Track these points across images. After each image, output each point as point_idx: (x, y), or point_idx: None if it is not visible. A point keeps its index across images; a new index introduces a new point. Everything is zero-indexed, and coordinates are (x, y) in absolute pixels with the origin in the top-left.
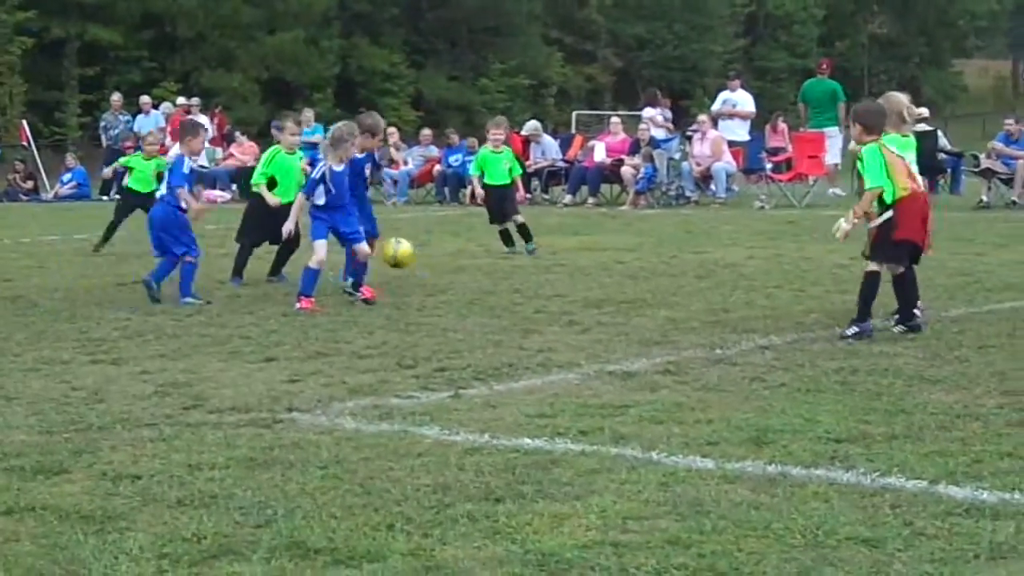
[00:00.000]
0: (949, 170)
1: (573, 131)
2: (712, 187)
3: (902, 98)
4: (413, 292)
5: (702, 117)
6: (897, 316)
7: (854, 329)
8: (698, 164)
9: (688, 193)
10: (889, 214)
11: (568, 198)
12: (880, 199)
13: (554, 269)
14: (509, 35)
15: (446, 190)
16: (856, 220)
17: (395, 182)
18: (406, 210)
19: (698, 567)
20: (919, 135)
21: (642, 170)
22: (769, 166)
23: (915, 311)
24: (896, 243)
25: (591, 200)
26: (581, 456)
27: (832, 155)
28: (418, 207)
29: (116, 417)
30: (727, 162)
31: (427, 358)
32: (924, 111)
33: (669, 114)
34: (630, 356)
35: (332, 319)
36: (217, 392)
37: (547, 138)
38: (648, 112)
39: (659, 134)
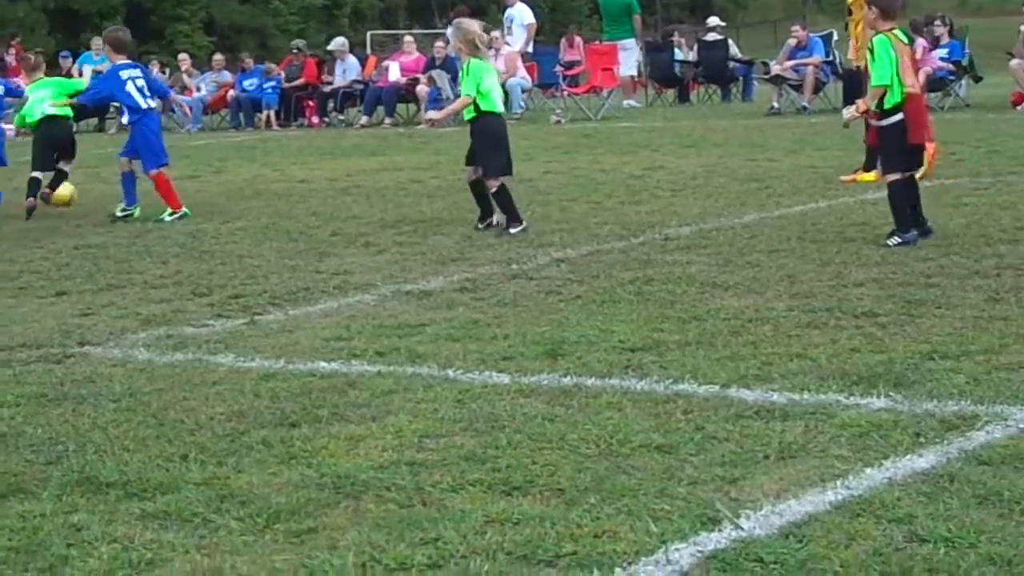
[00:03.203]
0: (740, 78)
1: (368, 51)
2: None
3: (474, 26)
4: (209, 219)
5: (495, 33)
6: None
7: (896, 239)
8: None
9: None
10: (899, 117)
11: (364, 119)
12: (881, 100)
13: (351, 191)
14: None
15: (241, 115)
16: (858, 113)
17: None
18: (201, 137)
19: (493, 481)
20: (709, 44)
21: (428, 89)
22: (564, 80)
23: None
24: (911, 148)
25: (387, 120)
26: (377, 377)
27: (628, 67)
28: (213, 133)
29: None
30: (522, 77)
31: (222, 286)
32: (715, 20)
33: None
34: (427, 275)
35: (125, 249)
36: (6, 329)
37: (352, 57)
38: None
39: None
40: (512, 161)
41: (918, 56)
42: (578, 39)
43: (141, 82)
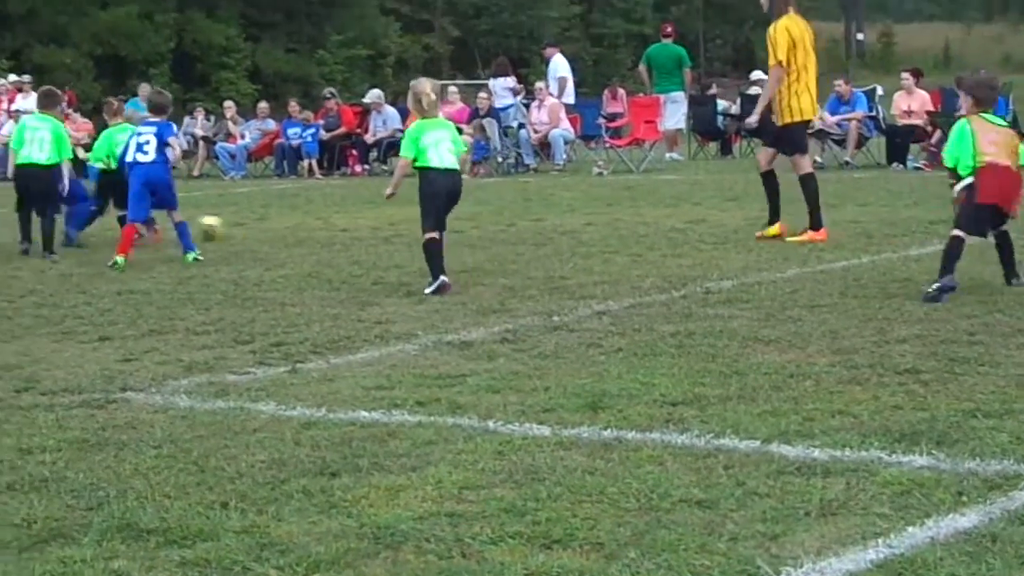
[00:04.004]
0: None
1: None
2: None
3: (423, 85)
4: (251, 267)
5: (539, 84)
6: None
7: (936, 285)
8: (536, 131)
9: (527, 161)
10: (970, 180)
11: None
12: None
13: (393, 240)
14: (345, 6)
15: (284, 163)
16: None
17: (232, 156)
18: (244, 184)
19: (533, 534)
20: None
21: (471, 141)
22: (606, 132)
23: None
24: (981, 209)
25: None
26: (418, 427)
27: (676, 120)
28: (256, 181)
29: None
30: (565, 129)
31: (264, 333)
32: (758, 73)
33: (519, 86)
34: (468, 325)
35: (168, 296)
36: (49, 374)
37: (389, 108)
38: (503, 82)
39: (507, 102)
40: (442, 218)
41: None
42: (621, 91)
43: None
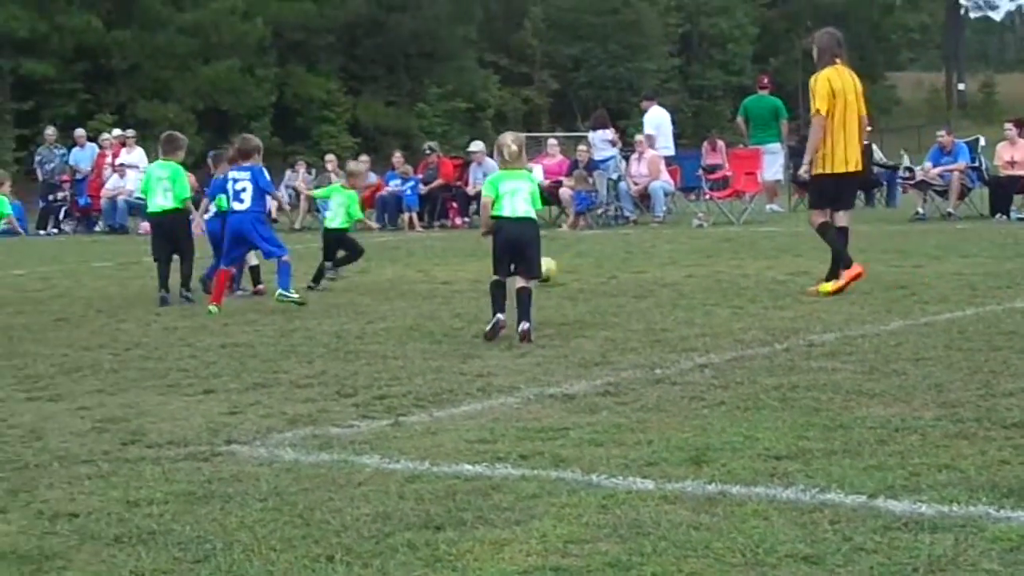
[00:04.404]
0: (885, 183)
1: None
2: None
3: (505, 138)
4: (353, 320)
5: (639, 137)
6: None
7: None
8: (636, 184)
9: (627, 213)
10: None
11: None
12: None
13: None
14: (445, 59)
15: (386, 216)
16: None
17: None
18: None
19: None
20: None
21: (573, 193)
22: (706, 183)
23: None
24: None
25: None
26: (521, 481)
27: (774, 171)
28: (357, 234)
29: (53, 454)
30: (664, 181)
31: (367, 386)
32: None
33: (616, 137)
34: (570, 378)
35: (271, 348)
36: (155, 426)
37: (489, 160)
38: (602, 134)
39: (606, 154)
40: (507, 265)
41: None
42: (720, 143)
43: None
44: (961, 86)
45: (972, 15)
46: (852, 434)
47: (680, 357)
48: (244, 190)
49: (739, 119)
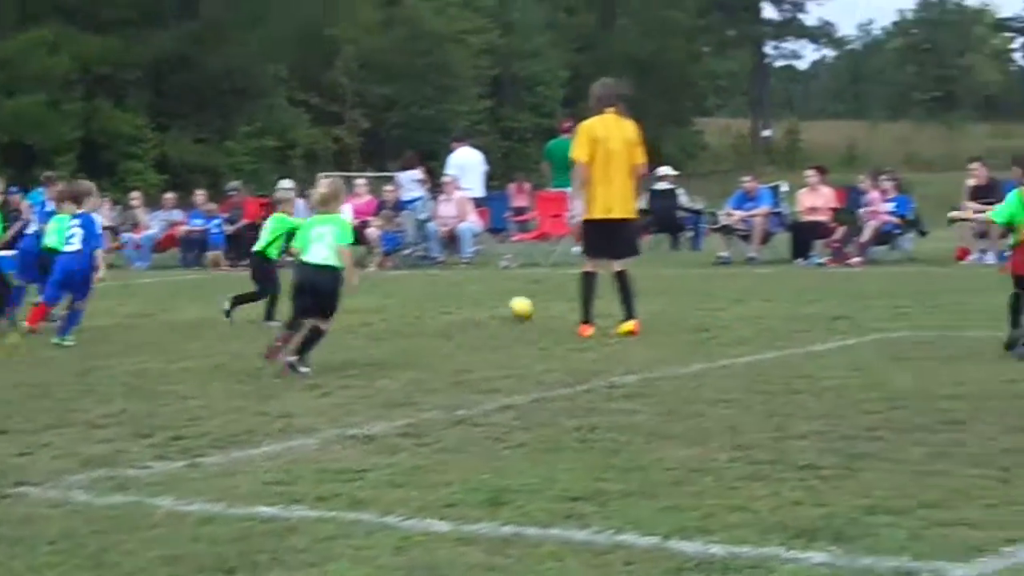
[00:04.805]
0: (690, 227)
1: None
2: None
3: (319, 184)
4: (155, 358)
5: (447, 178)
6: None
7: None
8: (444, 224)
9: (434, 254)
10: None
11: None
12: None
13: None
14: (255, 97)
15: (190, 254)
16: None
17: (138, 246)
18: (149, 275)
19: None
20: (659, 193)
21: (380, 233)
22: (514, 226)
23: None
24: (1013, 276)
25: None
26: (318, 523)
27: (579, 214)
28: (161, 271)
29: None
30: (472, 222)
31: (165, 426)
32: (665, 169)
33: (427, 177)
34: (371, 419)
35: (69, 388)
36: None
37: (300, 201)
38: (411, 175)
39: (414, 195)
40: (303, 308)
41: (874, 208)
42: (527, 185)
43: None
44: (766, 132)
45: (778, 64)
46: (649, 475)
47: (483, 398)
48: (74, 236)
49: (544, 163)
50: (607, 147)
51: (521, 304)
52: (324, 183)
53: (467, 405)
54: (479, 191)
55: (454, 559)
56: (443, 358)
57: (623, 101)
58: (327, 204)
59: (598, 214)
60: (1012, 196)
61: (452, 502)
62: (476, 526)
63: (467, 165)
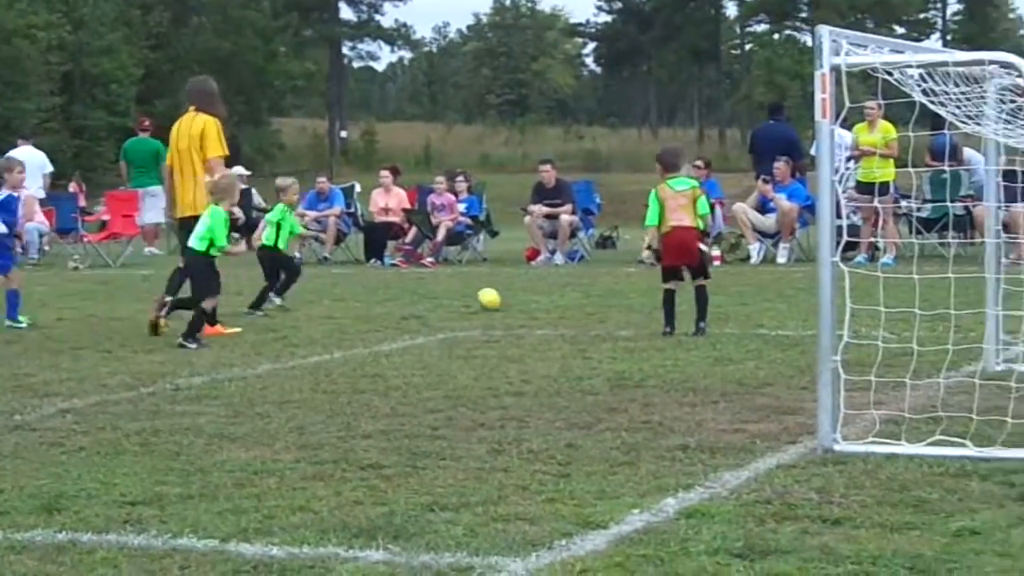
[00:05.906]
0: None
1: None
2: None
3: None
4: None
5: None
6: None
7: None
8: None
9: None
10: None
11: None
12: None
13: None
14: None
15: None
16: (649, 251)
17: None
18: None
19: None
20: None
21: None
22: (82, 226)
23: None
24: (667, 267)
25: None
26: None
27: (153, 214)
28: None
29: None
30: (39, 222)
31: None
32: (240, 169)
33: None
34: None
35: None
36: None
37: None
38: None
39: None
40: None
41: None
42: (83, 184)
43: None
44: (343, 133)
45: (355, 64)
46: (210, 478)
47: (42, 402)
48: None
49: (121, 162)
50: (176, 147)
51: (489, 295)
52: None
53: (25, 410)
54: (40, 192)
55: (4, 568)
56: (2, 362)
57: (203, 98)
58: None
59: (187, 211)
60: (651, 195)
61: (5, 510)
62: (29, 534)
63: (27, 165)
